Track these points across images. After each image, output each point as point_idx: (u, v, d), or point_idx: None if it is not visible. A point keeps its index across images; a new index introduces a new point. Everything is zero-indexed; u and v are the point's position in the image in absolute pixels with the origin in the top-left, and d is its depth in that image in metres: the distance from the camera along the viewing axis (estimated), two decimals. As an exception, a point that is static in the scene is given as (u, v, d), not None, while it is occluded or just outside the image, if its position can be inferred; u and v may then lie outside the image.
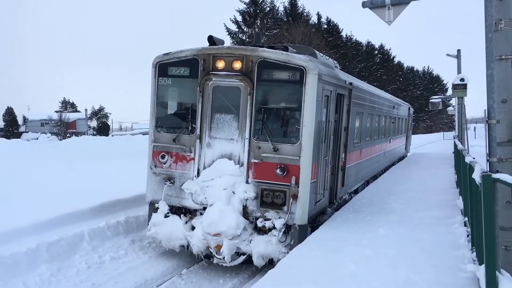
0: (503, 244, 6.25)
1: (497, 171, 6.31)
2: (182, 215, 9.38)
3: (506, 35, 6.38)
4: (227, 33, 55.31)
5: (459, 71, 29.80)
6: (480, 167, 5.67)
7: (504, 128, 6.40)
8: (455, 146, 18.53)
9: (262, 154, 8.88)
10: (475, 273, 6.06)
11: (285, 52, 9.14)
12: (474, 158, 7.93)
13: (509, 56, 6.32)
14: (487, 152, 6.84)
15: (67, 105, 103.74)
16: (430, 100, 35.20)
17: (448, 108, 47.38)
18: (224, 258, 8.64)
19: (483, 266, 5.22)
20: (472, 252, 7.16)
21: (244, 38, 54.47)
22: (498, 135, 6.46)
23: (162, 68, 9.68)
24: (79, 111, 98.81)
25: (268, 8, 57.58)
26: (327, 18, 72.53)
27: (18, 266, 8.05)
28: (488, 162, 6.80)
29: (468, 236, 8.22)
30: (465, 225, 9.11)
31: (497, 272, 5.07)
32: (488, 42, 6.38)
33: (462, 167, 10.17)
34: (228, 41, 51.29)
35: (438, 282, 6.30)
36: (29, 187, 12.57)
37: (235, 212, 8.67)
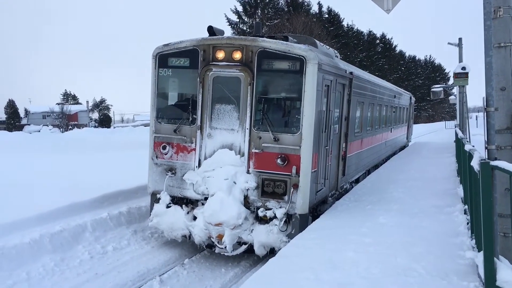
0: (502, 231, 6.26)
1: (495, 159, 6.32)
2: (183, 206, 9.45)
3: (505, 23, 6.35)
4: (228, 23, 55.19)
5: (460, 60, 29.66)
6: (479, 154, 5.69)
7: (502, 116, 6.39)
8: (456, 135, 18.53)
9: (262, 144, 8.91)
10: (474, 260, 6.11)
11: (285, 42, 9.12)
12: (473, 146, 7.96)
13: (508, 44, 6.30)
14: (486, 139, 6.85)
15: (69, 97, 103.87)
16: (432, 89, 35.03)
17: (450, 97, 47.20)
18: (225, 247, 8.71)
19: (481, 252, 5.26)
20: (471, 240, 7.20)
21: (245, 28, 54.27)
22: (496, 123, 6.45)
23: (162, 59, 9.69)
24: (80, 103, 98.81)
25: (269, -2, 57.33)
26: (328, 8, 72.34)
27: (21, 256, 8.14)
28: (486, 150, 6.81)
29: (467, 223, 8.26)
30: (465, 213, 9.15)
31: (495, 258, 5.11)
32: (486, 29, 6.36)
33: (462, 155, 10.19)
34: (228, 32, 51.14)
35: (438, 269, 6.35)
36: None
37: (236, 202, 8.72)
